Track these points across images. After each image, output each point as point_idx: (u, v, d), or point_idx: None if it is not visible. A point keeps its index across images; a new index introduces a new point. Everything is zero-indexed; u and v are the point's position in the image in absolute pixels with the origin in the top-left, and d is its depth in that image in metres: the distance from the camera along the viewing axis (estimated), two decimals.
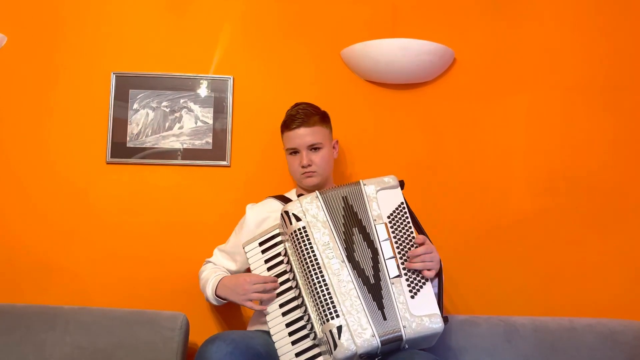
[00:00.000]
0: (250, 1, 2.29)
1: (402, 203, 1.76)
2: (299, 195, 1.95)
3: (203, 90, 2.24)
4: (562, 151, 2.29)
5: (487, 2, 2.33)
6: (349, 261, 1.68)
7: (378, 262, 1.69)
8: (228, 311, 2.17)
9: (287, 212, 1.73)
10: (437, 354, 1.70)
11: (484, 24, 2.32)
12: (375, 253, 1.70)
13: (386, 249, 1.70)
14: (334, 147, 2.04)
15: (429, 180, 2.24)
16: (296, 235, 1.69)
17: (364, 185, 1.77)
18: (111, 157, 2.20)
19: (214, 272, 1.95)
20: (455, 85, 2.30)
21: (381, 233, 1.71)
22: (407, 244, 1.72)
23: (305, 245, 1.68)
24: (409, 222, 1.74)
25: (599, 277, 2.23)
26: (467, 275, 2.21)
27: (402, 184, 1.79)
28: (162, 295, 2.14)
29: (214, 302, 1.92)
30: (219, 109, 2.24)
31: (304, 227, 1.70)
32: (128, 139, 2.21)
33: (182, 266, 2.15)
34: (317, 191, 1.77)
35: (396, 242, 1.71)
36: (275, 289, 1.74)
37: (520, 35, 2.32)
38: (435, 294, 1.70)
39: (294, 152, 1.97)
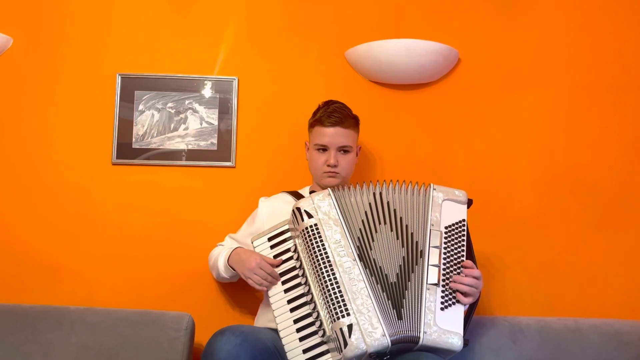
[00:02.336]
0: (255, 2, 2.30)
1: (463, 220, 1.76)
2: (311, 193, 1.95)
3: (208, 91, 2.25)
4: (567, 151, 2.28)
5: (492, 2, 2.33)
6: (361, 259, 1.68)
7: (415, 264, 1.69)
8: (234, 311, 2.17)
9: (298, 209, 1.73)
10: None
11: (488, 24, 2.32)
12: (417, 255, 1.70)
13: (433, 256, 1.69)
14: (356, 153, 2.03)
15: (434, 180, 2.22)
16: (307, 232, 1.70)
17: (434, 189, 1.78)
18: (117, 158, 2.21)
19: (227, 247, 1.96)
20: (459, 85, 2.30)
21: (434, 239, 1.71)
22: (454, 260, 1.71)
23: (316, 242, 1.68)
24: (463, 241, 1.74)
25: (604, 278, 2.23)
26: None
27: (469, 203, 1.80)
28: (167, 295, 2.15)
29: (225, 274, 1.93)
30: (224, 110, 2.24)
31: (315, 224, 1.70)
32: (134, 140, 2.22)
33: (187, 266, 2.15)
34: (329, 188, 1.78)
35: (444, 254, 1.70)
36: (274, 284, 1.75)
37: (525, 34, 2.32)
38: (464, 311, 1.70)
39: (322, 149, 1.95)
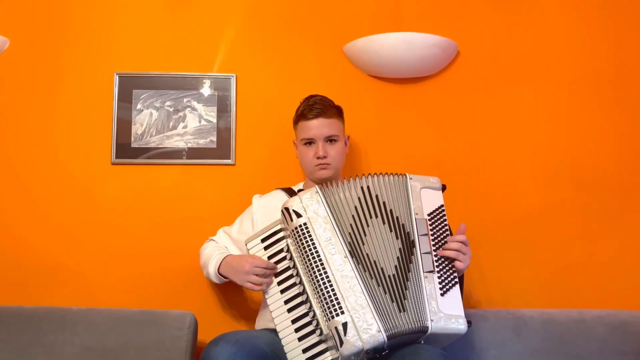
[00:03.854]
0: None
1: (442, 205, 1.76)
2: (299, 191, 1.94)
3: (206, 89, 2.24)
4: (568, 144, 2.27)
5: None
6: (352, 256, 1.66)
7: (411, 254, 1.68)
8: (236, 309, 2.17)
9: (287, 209, 1.71)
10: (445, 348, 1.69)
11: (487, 16, 2.31)
12: (410, 245, 1.69)
13: (424, 244, 1.70)
14: (345, 143, 2.03)
15: (435, 174, 2.21)
16: (297, 232, 1.68)
17: (410, 179, 1.77)
18: (116, 157, 2.20)
19: (217, 250, 1.95)
20: (459, 78, 2.29)
21: (421, 227, 1.71)
22: (442, 245, 1.72)
23: (307, 242, 1.67)
24: (446, 226, 1.74)
25: (608, 269, 2.22)
26: (474, 270, 2.19)
27: (444, 188, 1.80)
28: (170, 294, 2.14)
29: (215, 280, 1.93)
30: (223, 108, 2.23)
31: (305, 224, 1.68)
32: (132, 139, 2.21)
33: (189, 265, 2.14)
34: (316, 186, 1.76)
35: (433, 241, 1.71)
36: (273, 274, 1.73)
37: (525, 26, 2.31)
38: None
39: (309, 142, 1.95)
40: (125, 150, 2.20)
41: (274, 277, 1.74)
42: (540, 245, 2.22)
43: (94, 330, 1.94)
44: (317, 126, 1.93)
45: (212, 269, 1.90)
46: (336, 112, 1.98)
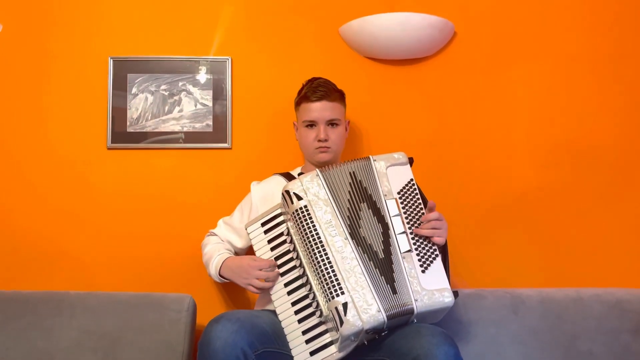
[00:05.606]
0: None
1: (411, 179, 1.76)
2: (299, 174, 1.93)
3: (201, 73, 2.23)
4: (566, 124, 2.27)
5: None
6: (352, 238, 1.67)
7: (389, 237, 1.69)
8: (235, 292, 2.17)
9: (287, 192, 1.72)
10: (444, 328, 1.69)
11: None
12: (385, 228, 1.70)
13: (397, 224, 1.70)
14: (345, 128, 2.02)
15: (432, 155, 2.23)
16: (298, 215, 1.69)
17: (374, 160, 1.77)
18: (112, 142, 2.19)
19: (217, 250, 1.94)
20: (455, 59, 2.28)
21: (392, 208, 1.72)
22: (417, 219, 1.72)
23: (307, 224, 1.67)
24: (418, 199, 1.75)
25: (605, 247, 2.22)
26: (472, 249, 2.21)
27: (411, 161, 1.80)
28: (168, 277, 2.15)
29: (217, 280, 1.93)
30: (218, 91, 2.22)
31: (305, 206, 1.69)
32: (128, 123, 2.20)
33: (186, 248, 2.15)
34: (317, 169, 1.76)
35: (406, 218, 1.71)
36: (278, 274, 1.74)
37: (522, 5, 2.29)
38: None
39: (311, 125, 1.95)
40: (121, 134, 2.20)
41: (279, 277, 1.74)
42: (538, 225, 2.23)
43: (92, 313, 1.95)
44: (320, 109, 1.93)
45: (213, 271, 1.90)
46: (339, 96, 1.98)
